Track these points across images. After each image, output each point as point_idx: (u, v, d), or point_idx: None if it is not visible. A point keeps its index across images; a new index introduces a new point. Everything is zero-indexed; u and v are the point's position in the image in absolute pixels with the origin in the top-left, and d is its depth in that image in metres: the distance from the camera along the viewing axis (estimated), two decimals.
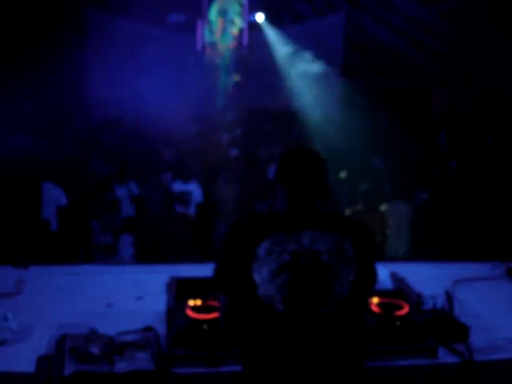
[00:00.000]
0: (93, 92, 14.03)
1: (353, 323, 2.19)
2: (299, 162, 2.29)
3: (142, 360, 2.51)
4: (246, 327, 2.20)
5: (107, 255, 6.90)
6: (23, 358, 2.56)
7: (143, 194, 7.63)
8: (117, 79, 14.13)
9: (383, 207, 6.60)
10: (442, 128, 15.23)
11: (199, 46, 15.49)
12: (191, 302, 2.82)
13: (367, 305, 2.36)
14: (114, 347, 2.58)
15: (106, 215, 7.11)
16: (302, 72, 17.17)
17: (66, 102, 12.55)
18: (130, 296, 3.33)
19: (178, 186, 7.46)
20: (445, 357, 2.75)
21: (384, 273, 3.24)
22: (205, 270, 2.59)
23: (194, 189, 7.62)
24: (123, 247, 6.87)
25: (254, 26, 16.76)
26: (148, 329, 2.78)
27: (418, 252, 6.34)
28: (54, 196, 6.95)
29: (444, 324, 2.90)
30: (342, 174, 7.81)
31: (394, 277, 3.28)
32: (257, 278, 2.12)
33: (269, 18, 17.14)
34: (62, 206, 6.94)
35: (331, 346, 2.13)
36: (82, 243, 6.93)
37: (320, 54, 17.04)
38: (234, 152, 9.69)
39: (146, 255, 6.56)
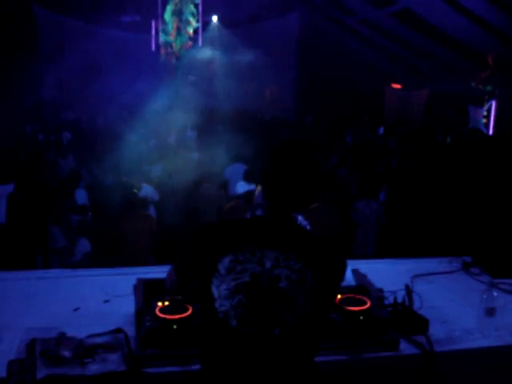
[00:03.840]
0: (47, 93, 13.86)
1: (302, 346, 2.17)
2: (290, 161, 2.17)
3: (113, 361, 2.54)
4: (203, 334, 2.24)
5: (63, 259, 6.83)
6: None
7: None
8: (71, 80, 13.96)
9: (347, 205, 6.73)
10: (381, 123, 15.52)
11: (154, 46, 15.40)
12: (160, 303, 2.86)
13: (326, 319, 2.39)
14: (85, 350, 2.60)
15: (64, 220, 7.05)
16: (256, 72, 17.25)
17: (20, 103, 12.37)
18: (97, 299, 3.32)
19: None
20: (406, 349, 2.84)
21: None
22: None
23: (148, 190, 7.68)
24: (80, 251, 6.81)
25: (209, 27, 16.77)
26: (117, 330, 2.81)
27: (380, 250, 6.50)
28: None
29: (404, 317, 3.01)
30: None
31: (356, 273, 3.38)
32: (215, 292, 2.13)
33: (224, 19, 17.18)
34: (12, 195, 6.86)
35: (279, 365, 2.13)
36: (39, 248, 6.84)
37: (274, 54, 17.17)
38: (192, 154, 9.71)
39: (106, 257, 6.51)
